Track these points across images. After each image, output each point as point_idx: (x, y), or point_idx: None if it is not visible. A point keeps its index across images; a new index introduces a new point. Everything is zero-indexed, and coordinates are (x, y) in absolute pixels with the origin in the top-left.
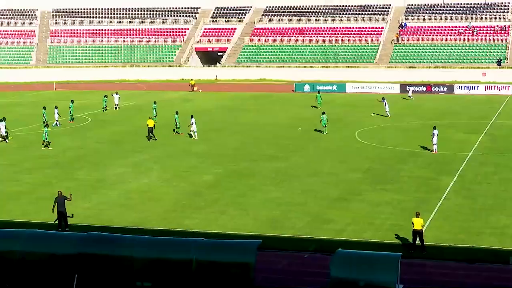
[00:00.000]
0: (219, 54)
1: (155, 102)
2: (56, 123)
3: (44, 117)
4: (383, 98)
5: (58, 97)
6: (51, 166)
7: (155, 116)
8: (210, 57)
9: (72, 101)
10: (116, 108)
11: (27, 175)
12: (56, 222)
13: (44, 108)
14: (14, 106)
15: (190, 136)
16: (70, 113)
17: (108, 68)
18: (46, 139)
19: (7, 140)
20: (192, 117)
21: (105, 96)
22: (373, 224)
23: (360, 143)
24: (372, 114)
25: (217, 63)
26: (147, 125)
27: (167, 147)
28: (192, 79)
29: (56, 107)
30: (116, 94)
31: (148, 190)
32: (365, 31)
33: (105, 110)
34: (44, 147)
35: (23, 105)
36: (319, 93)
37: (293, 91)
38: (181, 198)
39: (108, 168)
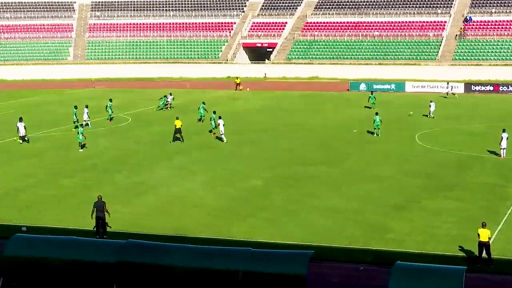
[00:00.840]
0: (268, 50)
1: (203, 103)
2: (87, 124)
3: (75, 117)
4: (431, 101)
5: (96, 95)
6: (89, 168)
7: (203, 116)
8: (258, 53)
9: (111, 100)
10: (168, 108)
11: (64, 178)
12: (95, 229)
13: (76, 107)
14: (50, 105)
15: (221, 140)
16: (109, 112)
17: (149, 64)
18: (83, 139)
19: (26, 139)
20: (220, 118)
21: (164, 96)
22: (435, 235)
23: (420, 147)
24: (433, 116)
25: (266, 60)
26: (175, 125)
27: (211, 149)
28: (237, 78)
29: (87, 107)
30: (170, 95)
31: (191, 195)
32: (426, 25)
33: (160, 108)
34: (81, 149)
35: (60, 103)
36: (372, 93)
37: (348, 90)
38: (227, 205)
39: (148, 171)
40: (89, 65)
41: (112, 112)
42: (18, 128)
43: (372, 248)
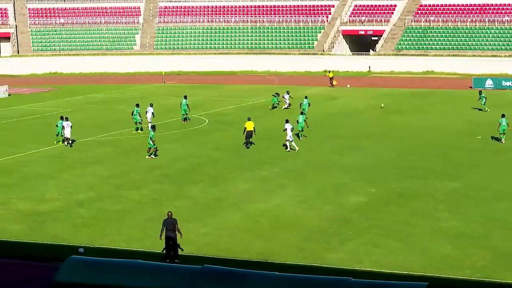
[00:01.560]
0: (373, 38)
1: (306, 97)
2: (152, 126)
3: (138, 116)
4: None
5: (167, 92)
6: (159, 179)
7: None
8: (361, 43)
9: (185, 97)
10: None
11: (130, 190)
12: (164, 251)
13: (137, 105)
14: (114, 103)
15: (286, 147)
16: (186, 111)
17: (230, 55)
18: (153, 145)
19: (71, 144)
20: (287, 121)
21: (276, 94)
22: None
23: None
24: None
25: (371, 51)
26: (245, 128)
27: (305, 158)
28: (330, 71)
29: (151, 105)
30: (287, 93)
31: (281, 213)
32: None
33: (274, 107)
34: (149, 155)
35: (124, 102)
36: (481, 93)
37: (471, 87)
38: (322, 225)
39: (229, 183)
40: (159, 56)
41: (189, 110)
42: (63, 128)
43: (500, 281)
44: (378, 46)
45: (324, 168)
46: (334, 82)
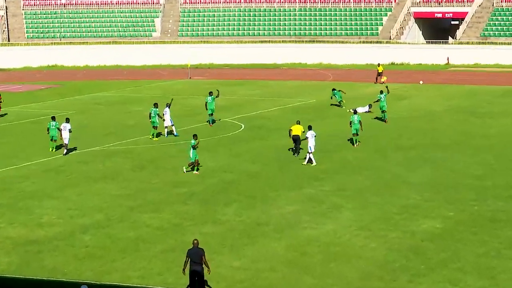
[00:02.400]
0: (453, 23)
1: (381, 92)
2: (172, 132)
3: (157, 119)
4: None
5: (194, 89)
6: (183, 199)
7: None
8: (437, 28)
9: (211, 93)
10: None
11: (147, 213)
12: None
13: (155, 105)
14: (128, 103)
15: (310, 161)
16: (211, 112)
17: (272, 44)
18: (195, 157)
19: (65, 152)
20: (310, 128)
21: (334, 89)
22: None
23: None
24: None
25: (450, 38)
26: (290, 131)
27: (364, 172)
28: (379, 64)
29: (168, 106)
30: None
31: (334, 242)
32: None
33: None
34: (189, 169)
35: (141, 102)
36: None
37: None
38: (388, 257)
39: (270, 204)
40: (184, 45)
41: (212, 111)
42: (59, 132)
43: None
44: (459, 33)
45: (389, 186)
46: (383, 79)
